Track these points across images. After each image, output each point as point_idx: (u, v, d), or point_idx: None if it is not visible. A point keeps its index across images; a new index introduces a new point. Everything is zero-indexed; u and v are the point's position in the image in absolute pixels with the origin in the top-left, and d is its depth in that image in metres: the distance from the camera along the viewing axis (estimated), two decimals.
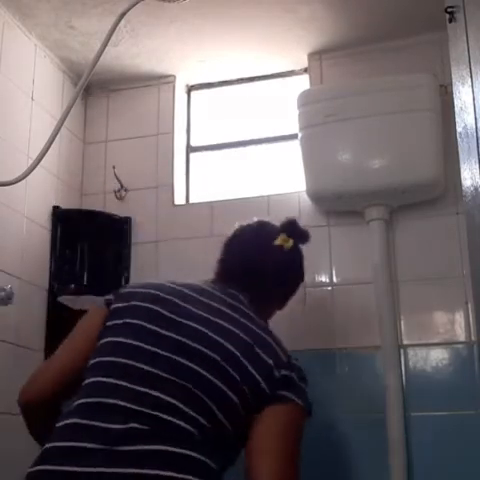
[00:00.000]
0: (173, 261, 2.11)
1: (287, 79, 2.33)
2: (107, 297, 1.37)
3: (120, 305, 1.33)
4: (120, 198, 2.26)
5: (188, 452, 1.11)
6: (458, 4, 1.28)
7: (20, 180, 1.75)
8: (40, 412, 1.32)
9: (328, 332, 1.94)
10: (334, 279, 2.00)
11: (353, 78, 2.13)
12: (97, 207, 2.24)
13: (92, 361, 1.26)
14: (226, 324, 1.28)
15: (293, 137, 2.16)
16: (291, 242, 1.46)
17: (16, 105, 2.00)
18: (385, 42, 2.12)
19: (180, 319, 1.27)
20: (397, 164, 1.89)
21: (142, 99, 2.35)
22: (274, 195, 2.13)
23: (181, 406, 1.16)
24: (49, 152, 1.78)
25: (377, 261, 1.91)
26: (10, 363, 1.84)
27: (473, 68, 1.22)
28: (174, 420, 1.14)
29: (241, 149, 2.34)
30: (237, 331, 1.28)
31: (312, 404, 1.26)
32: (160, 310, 1.29)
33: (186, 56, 2.23)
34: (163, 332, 1.25)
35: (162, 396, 1.16)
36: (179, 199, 2.26)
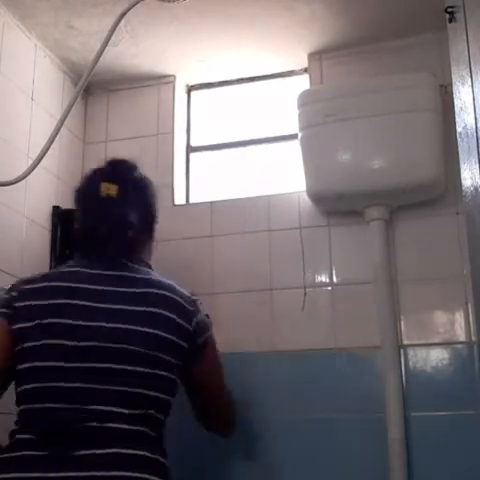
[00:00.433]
0: (173, 261, 2.11)
1: (287, 79, 2.33)
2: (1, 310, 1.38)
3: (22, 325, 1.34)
4: None
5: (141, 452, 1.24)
6: (458, 4, 1.28)
7: (20, 180, 1.76)
8: None
9: (328, 332, 1.94)
10: (334, 279, 1.99)
11: (353, 78, 2.13)
12: None
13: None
14: (128, 307, 1.34)
15: (293, 137, 2.16)
16: (114, 187, 1.42)
17: (16, 105, 2.00)
18: (385, 42, 2.12)
19: (88, 323, 1.32)
20: (397, 164, 1.89)
21: (142, 99, 2.35)
22: (274, 195, 2.12)
23: (125, 411, 1.26)
24: (49, 152, 1.79)
25: (377, 261, 1.91)
26: None
27: (473, 68, 1.22)
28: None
29: (241, 149, 2.34)
30: (141, 308, 1.35)
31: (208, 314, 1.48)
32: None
33: (186, 56, 2.23)
34: (81, 344, 1.30)
35: (103, 407, 1.25)
36: (179, 199, 2.26)
